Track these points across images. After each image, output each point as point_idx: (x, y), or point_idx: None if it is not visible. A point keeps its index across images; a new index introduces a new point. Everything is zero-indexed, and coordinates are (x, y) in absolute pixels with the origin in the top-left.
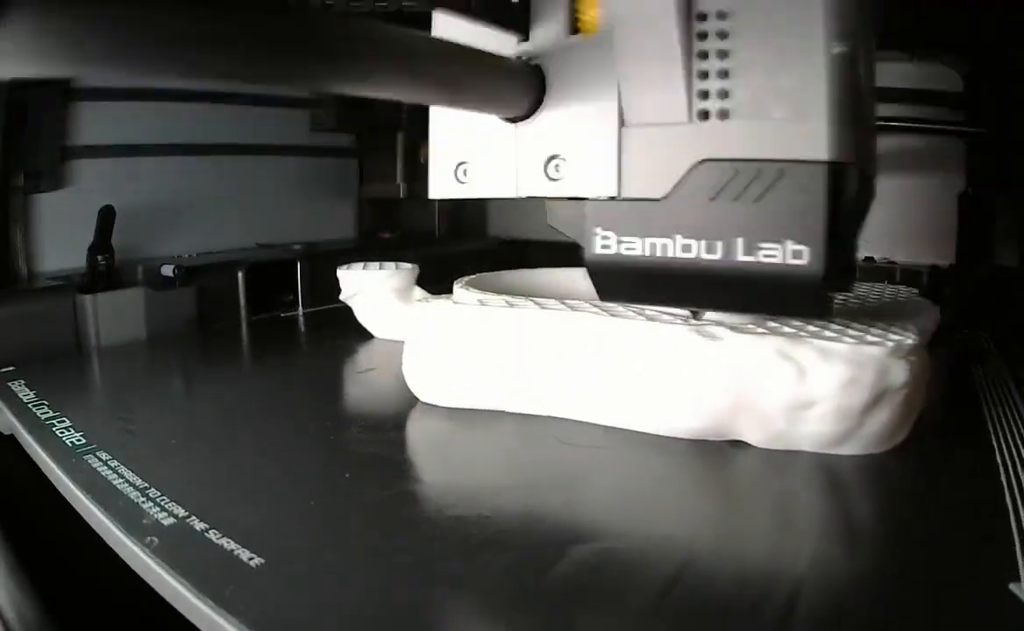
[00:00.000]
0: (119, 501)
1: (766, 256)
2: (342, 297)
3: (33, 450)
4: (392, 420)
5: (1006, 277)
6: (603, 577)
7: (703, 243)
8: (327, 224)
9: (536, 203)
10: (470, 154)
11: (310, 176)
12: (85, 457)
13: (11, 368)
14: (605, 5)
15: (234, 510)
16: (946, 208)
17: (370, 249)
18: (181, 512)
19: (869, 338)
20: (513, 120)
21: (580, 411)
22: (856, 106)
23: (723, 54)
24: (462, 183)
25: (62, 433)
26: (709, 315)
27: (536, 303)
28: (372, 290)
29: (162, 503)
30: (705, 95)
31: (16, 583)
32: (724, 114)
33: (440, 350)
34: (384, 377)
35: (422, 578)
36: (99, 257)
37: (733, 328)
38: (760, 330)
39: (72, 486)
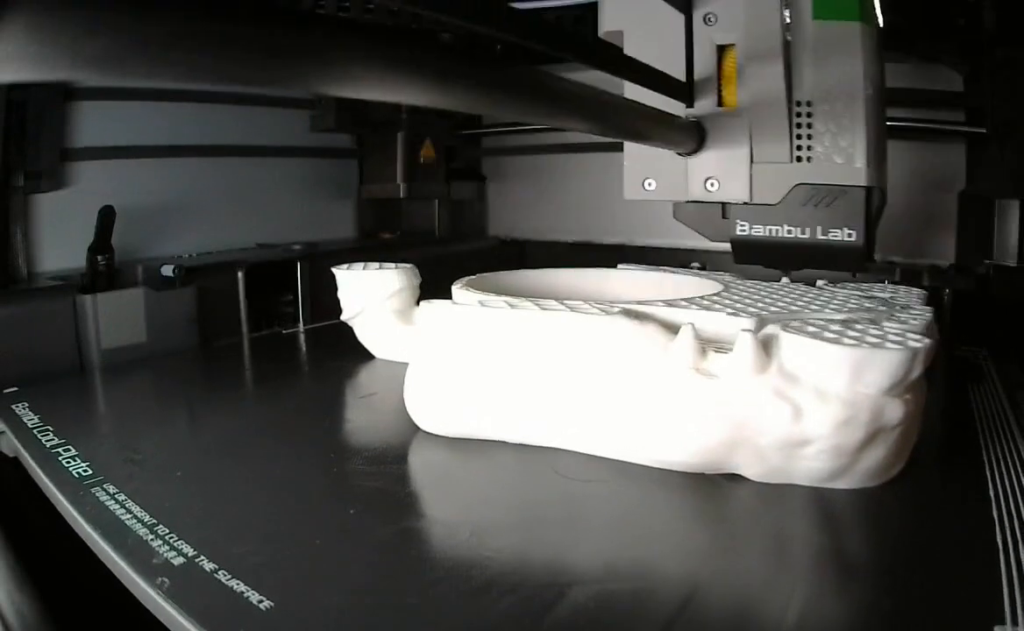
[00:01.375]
0: (129, 539)
1: (833, 236)
2: (343, 317)
3: (41, 481)
4: (394, 451)
5: (1006, 277)
6: (600, 621)
7: (798, 228)
8: (327, 224)
9: (534, 204)
10: (654, 173)
11: (310, 176)
12: (93, 490)
13: (15, 389)
14: (740, 92)
15: (242, 549)
16: (946, 208)
17: (370, 249)
18: (190, 551)
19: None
20: (684, 154)
21: (578, 442)
22: (878, 151)
23: (809, 124)
24: (648, 190)
25: (68, 463)
26: (710, 331)
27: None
28: (373, 311)
29: (171, 541)
30: (799, 147)
31: (16, 583)
32: (809, 158)
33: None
34: (385, 403)
35: (427, 622)
36: (99, 257)
37: (733, 347)
38: (763, 335)
39: (83, 522)
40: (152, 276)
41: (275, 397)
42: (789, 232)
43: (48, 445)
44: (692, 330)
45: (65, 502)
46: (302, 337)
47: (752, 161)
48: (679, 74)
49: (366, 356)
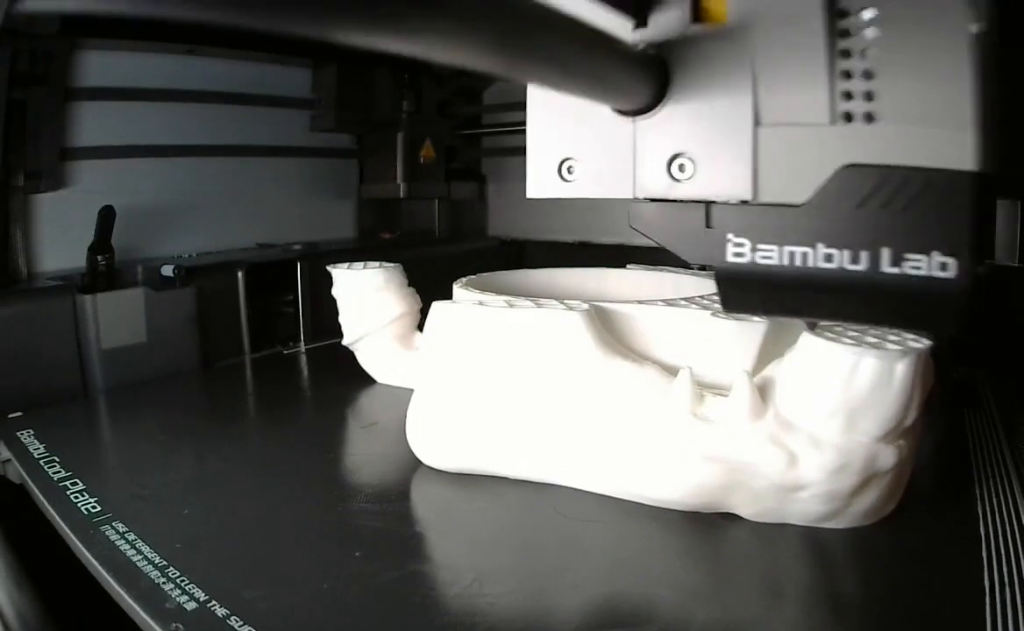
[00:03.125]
0: (141, 582)
1: (912, 267)
2: (344, 341)
3: (52, 517)
4: (397, 487)
5: (1006, 279)
6: None
7: (847, 253)
8: (327, 224)
9: (534, 204)
10: (578, 150)
11: (310, 176)
12: (102, 528)
13: (19, 414)
14: None
15: (252, 593)
16: None
17: (370, 249)
18: (202, 595)
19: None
20: (630, 113)
21: (577, 479)
22: (993, 109)
23: (865, 52)
24: (567, 181)
25: (76, 498)
26: (709, 373)
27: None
28: (374, 336)
29: (182, 584)
30: (847, 95)
31: (16, 583)
32: (869, 117)
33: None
34: (387, 433)
35: None
36: (99, 257)
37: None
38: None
39: (97, 564)
40: (152, 276)
41: (278, 427)
42: (828, 259)
43: (55, 477)
44: (689, 375)
45: (78, 542)
46: (303, 358)
47: (758, 122)
48: None
49: (367, 381)
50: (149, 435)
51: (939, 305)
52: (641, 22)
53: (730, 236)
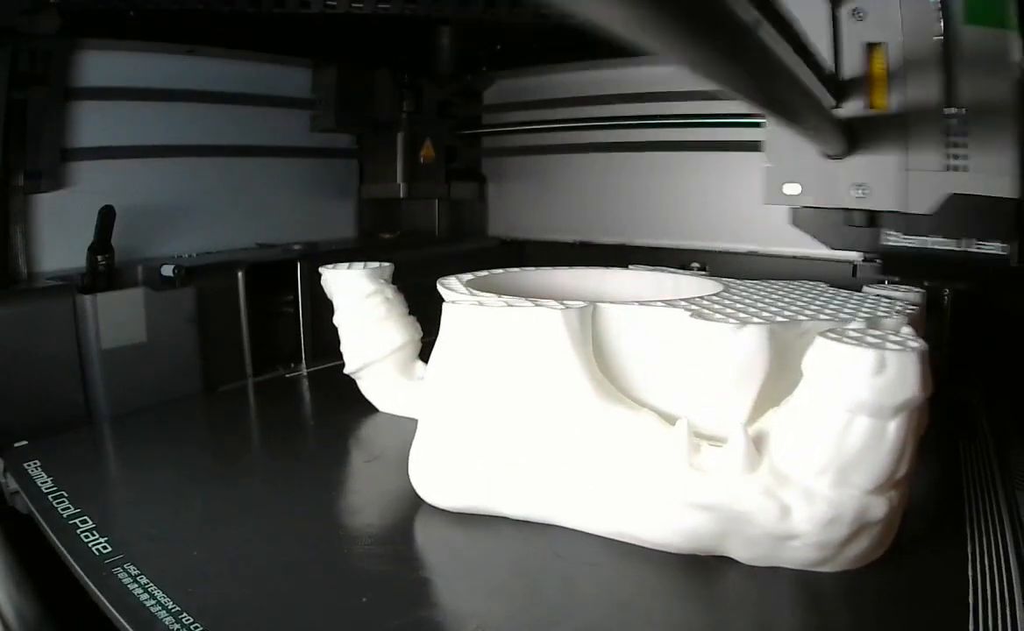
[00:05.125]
0: (155, 626)
1: (987, 249)
2: (346, 371)
3: (63, 555)
4: (400, 528)
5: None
6: None
7: (952, 240)
8: (327, 224)
9: (534, 204)
10: (795, 176)
11: (310, 176)
12: (114, 570)
13: (24, 443)
14: (892, 94)
15: None
16: None
17: (370, 249)
18: None
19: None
20: (833, 157)
21: (575, 520)
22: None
23: (963, 132)
24: (789, 195)
25: (87, 537)
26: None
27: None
28: (376, 366)
29: None
30: (952, 155)
31: (16, 583)
32: (965, 168)
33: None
34: (389, 468)
35: None
36: (99, 257)
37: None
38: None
39: (111, 607)
40: (152, 276)
41: (283, 461)
42: (942, 244)
43: (65, 515)
44: (686, 426)
45: (92, 585)
46: (305, 381)
47: (906, 169)
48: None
49: (369, 409)
50: (156, 469)
51: (998, 268)
52: (837, 102)
53: (887, 230)
